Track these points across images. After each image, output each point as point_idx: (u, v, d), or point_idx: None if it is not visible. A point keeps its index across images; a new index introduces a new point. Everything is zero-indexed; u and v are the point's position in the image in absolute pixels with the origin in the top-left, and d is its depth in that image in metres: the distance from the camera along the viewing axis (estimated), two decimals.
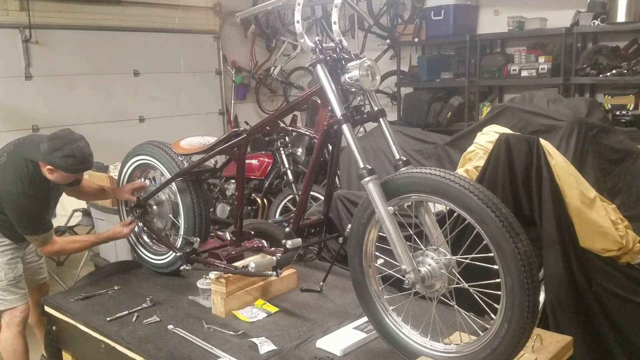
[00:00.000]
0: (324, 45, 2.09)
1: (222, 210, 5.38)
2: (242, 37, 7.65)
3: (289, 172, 5.10)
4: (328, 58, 2.07)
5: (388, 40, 6.37)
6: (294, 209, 5.03)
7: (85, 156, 2.68)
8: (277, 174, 5.31)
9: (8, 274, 2.82)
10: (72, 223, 4.48)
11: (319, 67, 2.05)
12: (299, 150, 5.32)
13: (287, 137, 5.33)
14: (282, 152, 5.19)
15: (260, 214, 5.26)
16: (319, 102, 2.17)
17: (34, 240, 2.79)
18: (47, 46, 5.93)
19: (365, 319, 2.30)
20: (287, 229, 2.35)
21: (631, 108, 4.78)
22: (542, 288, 2.62)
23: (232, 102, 7.68)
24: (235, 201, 2.72)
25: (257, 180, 5.40)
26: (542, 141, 2.67)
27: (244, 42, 7.70)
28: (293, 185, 5.06)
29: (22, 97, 5.73)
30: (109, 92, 6.48)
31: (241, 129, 2.56)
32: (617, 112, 4.83)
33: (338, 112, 2.02)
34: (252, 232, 2.80)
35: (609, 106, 4.87)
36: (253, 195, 5.32)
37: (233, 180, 5.35)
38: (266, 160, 5.35)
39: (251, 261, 2.40)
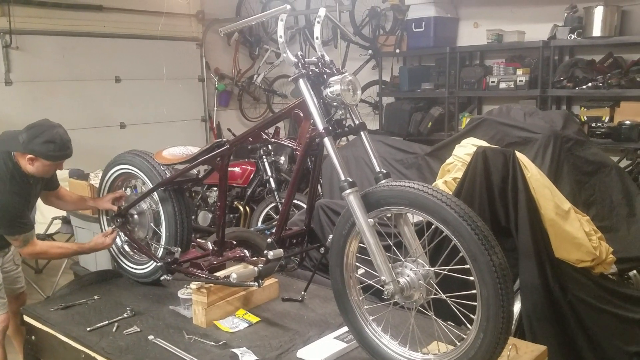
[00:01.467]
0: (306, 59, 2.12)
1: (204, 218, 5.38)
2: (225, 45, 7.67)
3: (271, 180, 5.12)
4: (310, 72, 2.10)
5: (370, 51, 6.45)
6: (276, 216, 5.06)
7: (65, 142, 2.69)
8: (260, 182, 5.33)
9: None
10: (51, 231, 4.44)
11: (301, 81, 2.09)
12: (282, 159, 5.35)
13: (269, 146, 5.35)
14: (265, 160, 5.21)
15: (242, 222, 5.27)
16: (301, 115, 2.21)
17: (14, 240, 2.73)
18: (28, 52, 5.88)
19: (345, 328, 2.33)
20: (269, 240, 2.37)
21: (606, 120, 4.91)
22: (518, 298, 2.68)
23: (215, 109, 7.69)
24: (217, 210, 2.73)
25: (239, 188, 5.41)
26: (518, 154, 2.75)
27: (227, 50, 7.72)
28: (275, 193, 5.08)
29: (1, 103, 5.66)
30: (90, 99, 6.43)
31: (224, 139, 2.58)
32: (593, 124, 4.95)
33: (320, 126, 2.05)
34: (234, 242, 2.81)
35: (585, 118, 5.00)
36: (235, 202, 5.33)
37: (215, 188, 5.36)
38: (249, 168, 5.37)
39: (233, 272, 2.41)
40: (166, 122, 7.11)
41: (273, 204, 5.10)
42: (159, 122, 7.04)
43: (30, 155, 2.64)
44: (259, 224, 5.04)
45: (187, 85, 7.38)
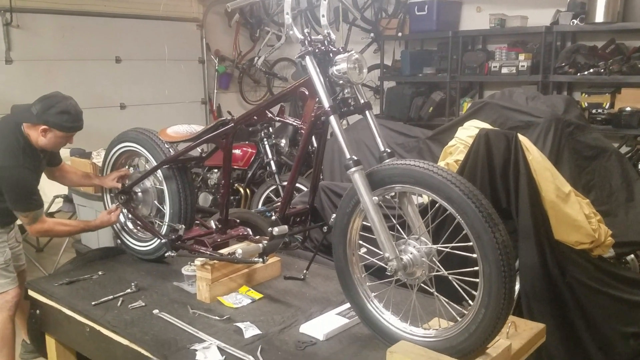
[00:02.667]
0: (312, 37, 2.13)
1: (204, 199, 5.40)
2: (226, 26, 7.62)
3: (272, 162, 5.14)
4: (317, 50, 2.11)
5: (372, 34, 6.43)
6: (276, 199, 5.09)
7: (79, 113, 2.71)
8: (260, 165, 5.35)
9: None
10: (53, 209, 4.45)
11: (308, 58, 2.10)
12: (283, 141, 5.37)
13: (270, 128, 5.36)
14: (266, 142, 5.22)
15: (242, 204, 5.29)
16: (307, 93, 2.22)
17: (24, 217, 2.72)
18: (28, 30, 5.84)
19: (347, 305, 2.37)
20: (273, 217, 2.39)
21: (607, 107, 4.92)
22: (517, 278, 2.72)
23: (215, 91, 7.67)
24: (221, 189, 2.75)
25: (240, 170, 5.43)
26: (520, 137, 2.76)
27: (228, 32, 7.67)
28: (276, 176, 5.10)
29: (2, 81, 5.64)
30: (90, 79, 6.41)
31: (228, 117, 2.59)
32: (593, 111, 4.96)
33: (326, 104, 2.07)
34: (238, 221, 2.84)
35: (586, 104, 5.00)
36: (236, 185, 5.35)
37: (216, 170, 5.37)
38: (249, 150, 5.38)
39: (238, 248, 2.44)
40: (166, 103, 7.10)
41: (273, 187, 5.12)
42: (159, 104, 7.03)
43: (43, 127, 2.63)
44: (259, 206, 5.06)
45: (187, 66, 7.35)
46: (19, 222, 2.98)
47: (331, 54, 2.13)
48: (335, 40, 2.17)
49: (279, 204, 4.52)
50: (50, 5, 5.95)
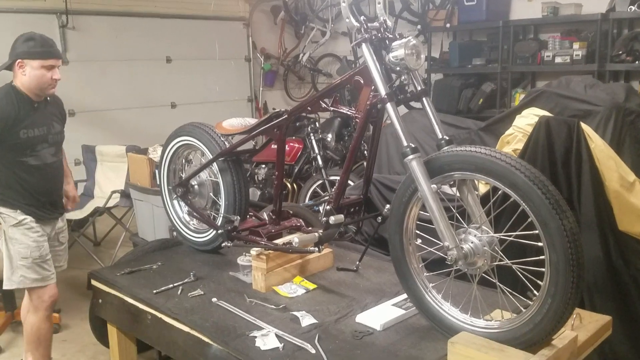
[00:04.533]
0: (368, 24, 2.12)
1: (252, 194, 5.46)
2: (271, 24, 7.70)
3: (318, 157, 5.15)
4: (373, 37, 2.10)
5: (419, 26, 6.35)
6: (323, 194, 5.09)
7: (45, 39, 2.78)
8: (307, 159, 5.37)
9: (34, 252, 2.80)
10: (110, 204, 4.61)
11: (364, 45, 2.09)
12: (329, 136, 5.37)
13: (317, 123, 5.37)
14: (312, 137, 5.23)
15: (290, 199, 5.33)
16: (362, 81, 2.21)
17: None
18: (83, 32, 6.07)
19: (403, 296, 2.35)
20: (327, 207, 2.40)
21: None
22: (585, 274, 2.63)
23: (261, 88, 7.76)
24: (274, 181, 2.77)
25: (287, 166, 5.46)
26: (582, 124, 2.67)
27: (273, 29, 7.75)
28: (323, 171, 5.11)
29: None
30: (141, 78, 6.60)
31: (282, 109, 2.61)
32: None
33: (382, 91, 2.05)
34: (291, 212, 2.86)
35: None
36: (283, 180, 5.38)
37: (264, 165, 5.43)
38: (296, 145, 5.41)
39: (294, 237, 2.45)
40: (214, 102, 7.24)
41: (320, 181, 5.13)
42: (207, 102, 7.17)
43: (19, 61, 2.71)
44: (307, 200, 5.09)
45: (234, 65, 7.46)
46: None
47: (387, 41, 2.11)
48: (391, 28, 2.15)
49: (326, 197, 4.55)
50: (104, 7, 6.17)
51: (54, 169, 2.95)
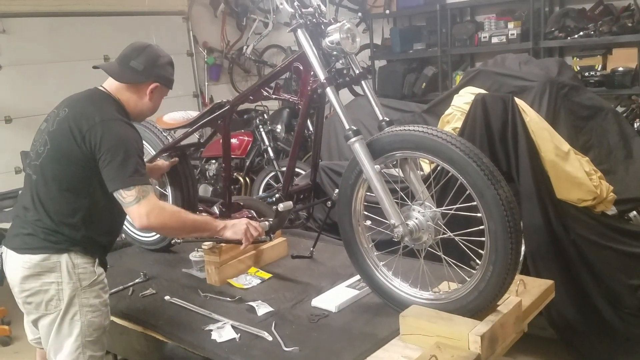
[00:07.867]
0: (303, 10, 2.12)
1: (204, 190, 5.40)
2: (212, 17, 7.57)
3: (269, 149, 5.14)
4: (308, 22, 2.11)
5: (360, 14, 6.39)
6: (276, 185, 5.09)
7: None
8: (258, 152, 5.35)
9: (106, 320, 2.05)
10: None
11: (299, 31, 2.09)
12: (279, 127, 5.36)
13: (265, 115, 5.35)
14: (262, 129, 5.21)
15: (243, 193, 5.30)
16: (301, 67, 2.22)
17: (129, 195, 1.88)
18: (15, 35, 5.80)
19: (356, 277, 2.39)
20: (276, 195, 2.40)
21: (599, 68, 4.91)
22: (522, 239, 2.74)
23: (206, 83, 7.63)
24: (222, 174, 2.75)
25: (238, 159, 5.42)
26: (517, 99, 2.77)
27: (214, 22, 7.62)
28: (274, 162, 5.10)
29: None
30: (80, 79, 6.24)
31: (224, 100, 2.59)
32: (586, 74, 4.95)
33: (321, 76, 2.07)
34: (241, 203, 2.85)
35: (578, 68, 5.00)
36: (235, 174, 5.35)
37: (214, 161, 5.37)
38: (246, 138, 5.38)
39: None
40: None
41: (272, 173, 5.12)
42: None
43: (154, 84, 2.11)
44: (260, 193, 5.07)
45: (176, 60, 7.22)
46: None
47: (323, 26, 2.12)
48: (325, 13, 2.16)
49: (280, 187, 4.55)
50: (35, 8, 5.90)
51: None
